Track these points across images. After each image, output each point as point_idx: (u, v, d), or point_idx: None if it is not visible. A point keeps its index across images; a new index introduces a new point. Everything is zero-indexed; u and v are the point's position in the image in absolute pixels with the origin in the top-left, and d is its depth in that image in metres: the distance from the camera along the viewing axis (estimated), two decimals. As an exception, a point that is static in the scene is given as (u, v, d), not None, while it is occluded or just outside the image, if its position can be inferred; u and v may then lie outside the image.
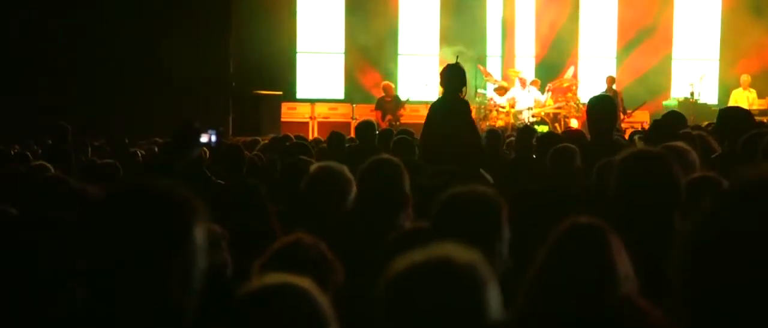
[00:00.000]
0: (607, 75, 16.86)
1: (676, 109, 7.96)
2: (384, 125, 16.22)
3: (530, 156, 6.66)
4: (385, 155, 3.77)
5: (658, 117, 16.28)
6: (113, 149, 8.80)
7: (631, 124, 16.21)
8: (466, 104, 7.08)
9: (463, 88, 7.08)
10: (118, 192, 1.95)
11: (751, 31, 17.90)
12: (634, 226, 3.05)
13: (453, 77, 7.07)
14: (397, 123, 16.21)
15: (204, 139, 4.36)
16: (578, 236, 2.44)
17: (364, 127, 8.11)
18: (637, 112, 16.61)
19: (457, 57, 7.49)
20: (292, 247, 2.97)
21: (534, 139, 6.57)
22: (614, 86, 16.45)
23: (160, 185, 1.91)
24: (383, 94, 16.78)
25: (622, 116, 16.02)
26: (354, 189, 3.82)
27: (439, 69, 17.97)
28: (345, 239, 3.36)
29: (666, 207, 3.18)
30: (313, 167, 3.85)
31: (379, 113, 16.55)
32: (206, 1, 16.54)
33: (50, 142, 9.63)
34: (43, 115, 15.10)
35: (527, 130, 7.50)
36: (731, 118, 5.86)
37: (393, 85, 16.98)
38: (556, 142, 6.03)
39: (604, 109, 5.87)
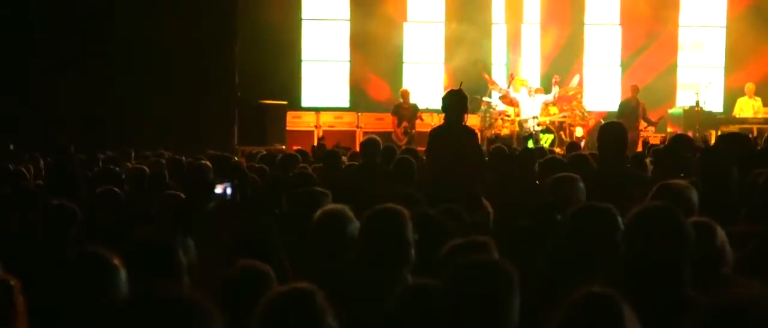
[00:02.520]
0: (632, 84, 16.81)
1: (681, 133, 7.91)
2: (399, 132, 16.31)
3: (533, 181, 6.64)
4: (388, 205, 3.74)
5: (663, 123, 16.56)
6: (115, 168, 8.81)
7: (639, 133, 16.19)
8: (473, 133, 7.06)
9: (465, 115, 7.11)
10: (141, 305, 1.97)
11: (757, 39, 17.88)
12: (644, 283, 3.06)
13: (455, 104, 7.06)
14: (413, 131, 16.27)
15: (218, 190, 4.35)
16: (592, 308, 2.44)
17: (368, 145, 8.08)
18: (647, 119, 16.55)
19: (461, 84, 7.48)
20: (287, 298, 2.96)
21: (536, 165, 6.55)
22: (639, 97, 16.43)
23: (181, 295, 1.93)
24: (401, 100, 16.80)
25: (644, 125, 16.06)
26: (357, 227, 3.80)
27: (444, 79, 18.11)
28: (348, 287, 3.36)
29: (676, 262, 3.17)
30: (316, 214, 3.83)
31: (395, 119, 16.57)
32: (212, 10, 16.55)
33: (52, 161, 9.63)
34: (51, 125, 15.21)
35: (529, 153, 7.47)
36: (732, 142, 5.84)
37: (410, 92, 16.95)
38: (559, 168, 6.02)
39: (614, 138, 5.87)
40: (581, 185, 5.14)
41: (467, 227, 4.27)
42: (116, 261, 2.75)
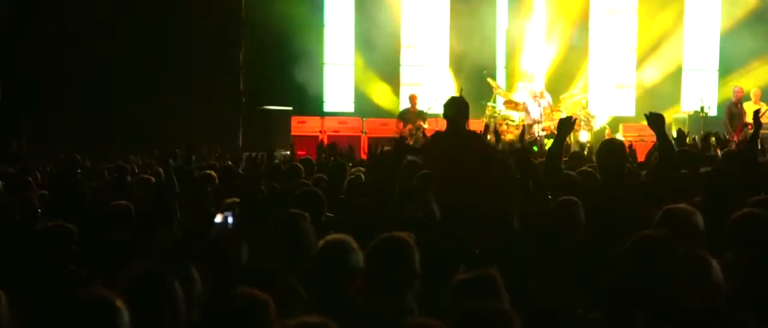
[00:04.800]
0: (737, 88, 16.37)
1: (684, 148, 7.88)
2: (405, 133, 16.34)
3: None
4: (395, 233, 3.73)
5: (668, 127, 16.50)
6: (118, 177, 8.85)
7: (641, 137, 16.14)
8: (478, 137, 7.03)
9: (467, 122, 7.12)
10: None
11: (761, 43, 17.88)
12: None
13: (457, 111, 7.04)
14: (417, 133, 16.28)
15: (218, 219, 4.32)
16: None
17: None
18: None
19: (461, 91, 7.48)
20: None
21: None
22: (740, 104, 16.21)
23: None
24: (409, 105, 16.81)
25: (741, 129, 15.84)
26: (361, 259, 3.78)
27: (455, 85, 18.03)
28: (353, 318, 3.36)
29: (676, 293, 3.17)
30: (320, 244, 3.81)
31: (401, 123, 16.60)
32: (217, 17, 16.58)
33: (59, 174, 9.65)
34: (58, 132, 15.27)
35: (533, 170, 7.40)
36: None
37: (418, 97, 16.96)
38: (570, 187, 5.98)
39: (611, 156, 5.86)
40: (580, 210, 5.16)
41: (471, 253, 4.26)
42: (119, 303, 2.75)
